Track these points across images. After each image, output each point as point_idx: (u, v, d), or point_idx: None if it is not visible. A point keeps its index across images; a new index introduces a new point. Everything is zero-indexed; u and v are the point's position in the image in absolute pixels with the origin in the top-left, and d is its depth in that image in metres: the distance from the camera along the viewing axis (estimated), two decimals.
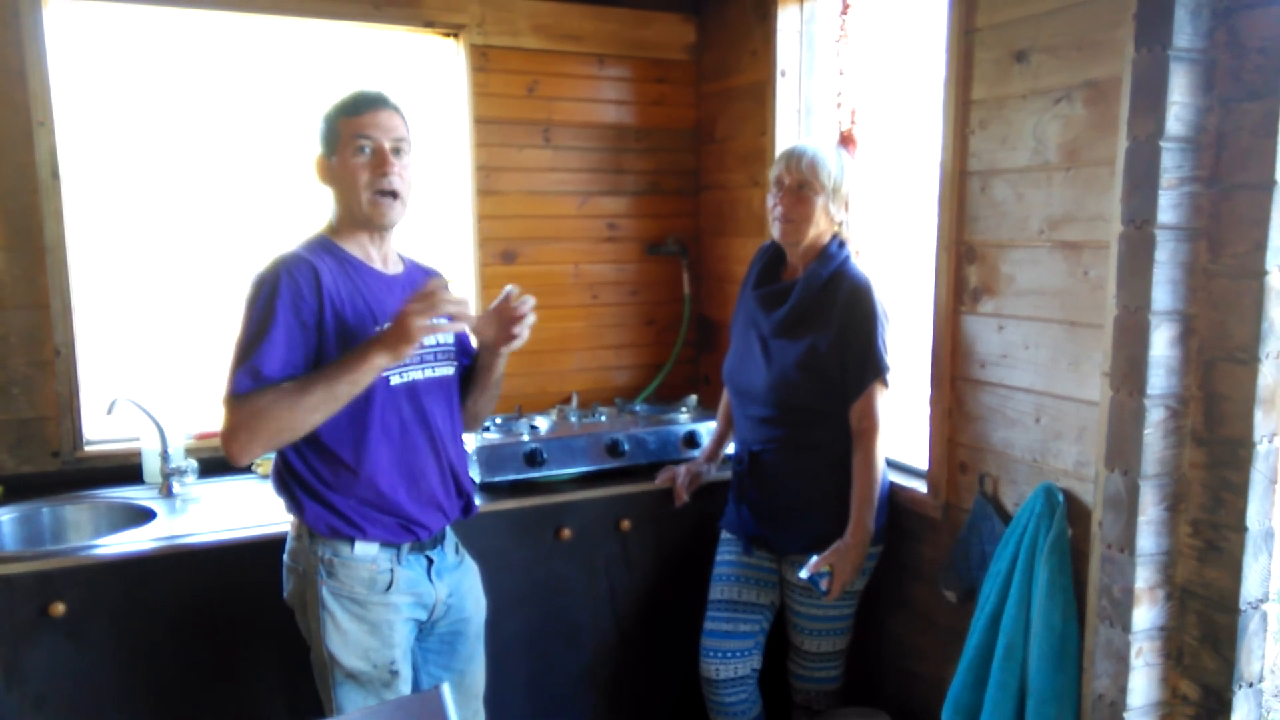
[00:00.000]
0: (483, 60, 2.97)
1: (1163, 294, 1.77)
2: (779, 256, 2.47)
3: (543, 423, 2.80)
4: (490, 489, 2.56)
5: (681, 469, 2.68)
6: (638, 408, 3.07)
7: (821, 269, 2.32)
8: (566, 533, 2.56)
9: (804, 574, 2.25)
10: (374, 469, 1.86)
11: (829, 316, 2.28)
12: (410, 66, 2.99)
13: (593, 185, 3.20)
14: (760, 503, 2.41)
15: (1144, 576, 1.84)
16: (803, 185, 2.31)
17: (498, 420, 2.81)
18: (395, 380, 1.88)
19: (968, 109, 2.21)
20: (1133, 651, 1.85)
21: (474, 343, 2.09)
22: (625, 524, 2.63)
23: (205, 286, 2.83)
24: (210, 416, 2.69)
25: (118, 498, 2.51)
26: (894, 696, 2.61)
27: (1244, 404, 1.74)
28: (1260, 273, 1.70)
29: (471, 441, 2.56)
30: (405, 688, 1.94)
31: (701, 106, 3.30)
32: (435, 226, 3.07)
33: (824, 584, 2.23)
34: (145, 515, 2.39)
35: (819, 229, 2.34)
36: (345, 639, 1.86)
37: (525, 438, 2.65)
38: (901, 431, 2.50)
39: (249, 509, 2.39)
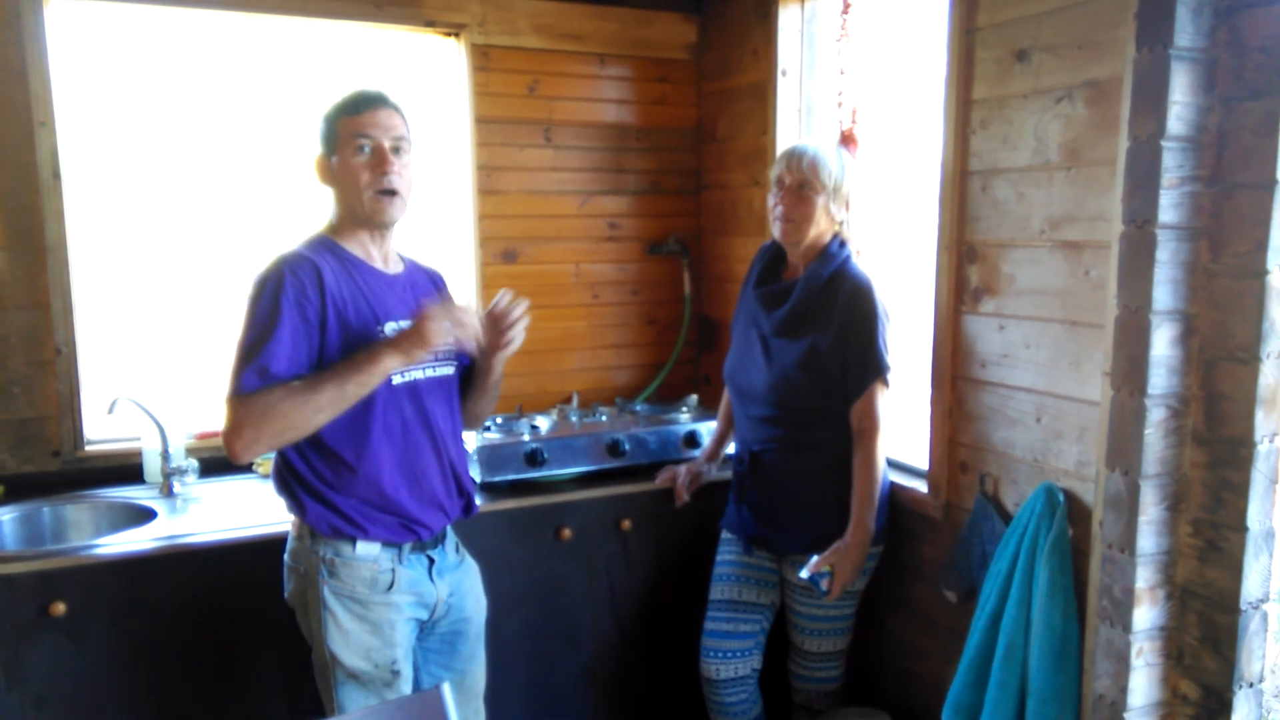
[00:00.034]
0: (484, 60, 2.97)
1: (1164, 293, 1.76)
2: (780, 256, 2.47)
3: (543, 422, 2.80)
4: (490, 489, 2.56)
5: (682, 469, 2.68)
6: (638, 407, 3.07)
7: (822, 269, 2.32)
8: (567, 532, 2.56)
9: (804, 574, 2.25)
10: (376, 469, 1.86)
11: (830, 316, 2.28)
12: (411, 66, 2.99)
13: (594, 185, 3.20)
14: (761, 502, 2.41)
15: (1144, 576, 1.84)
16: (803, 185, 2.30)
17: (498, 420, 2.81)
18: (397, 380, 1.88)
19: (969, 108, 2.21)
20: (1133, 651, 1.85)
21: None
22: (626, 524, 2.63)
23: (206, 286, 2.83)
24: (211, 416, 2.69)
25: (118, 497, 2.51)
26: (894, 696, 2.61)
27: (1245, 404, 1.74)
28: (1261, 272, 1.69)
29: (472, 441, 2.56)
30: (406, 687, 1.94)
31: (702, 106, 3.30)
32: (436, 226, 3.07)
33: (824, 584, 2.23)
34: (146, 515, 2.39)
35: (820, 228, 2.34)
36: (347, 639, 1.86)
37: (526, 437, 2.66)
38: (902, 431, 2.50)
39: (249, 509, 2.39)
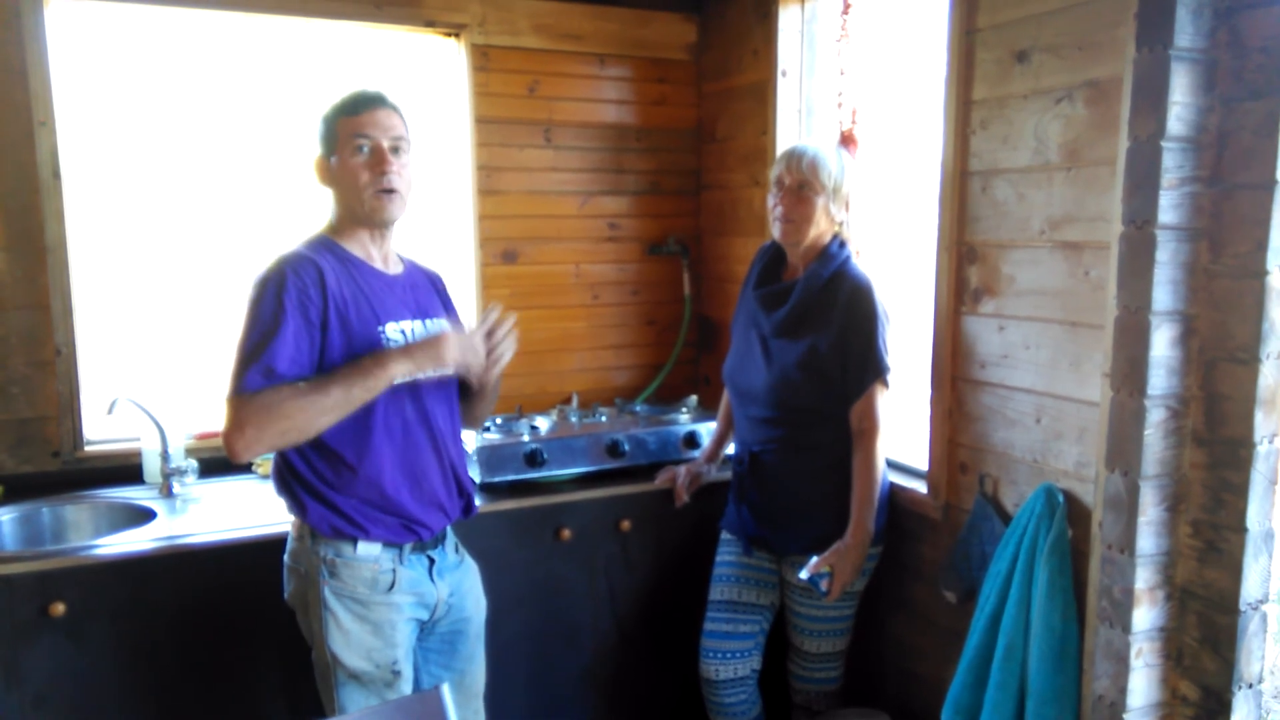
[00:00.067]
0: (483, 60, 2.97)
1: (1163, 294, 1.76)
2: (779, 256, 2.47)
3: (543, 423, 2.80)
4: (490, 489, 2.56)
5: (681, 469, 2.68)
6: (638, 408, 3.07)
7: (822, 269, 2.32)
8: (566, 533, 2.56)
9: (804, 575, 2.25)
10: (377, 469, 1.86)
11: (829, 317, 2.28)
12: (411, 66, 2.99)
13: (593, 185, 3.20)
14: (760, 503, 2.41)
15: (1144, 577, 1.84)
16: (803, 185, 2.30)
17: (498, 420, 2.81)
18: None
19: (969, 109, 2.21)
20: (1132, 652, 1.85)
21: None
22: (625, 524, 2.63)
23: (206, 286, 2.83)
24: (210, 417, 2.69)
25: (118, 498, 2.51)
26: (894, 697, 2.61)
27: (1244, 404, 1.73)
28: (1261, 273, 1.69)
29: (472, 441, 2.56)
30: (407, 688, 1.94)
31: (702, 106, 3.30)
32: (436, 226, 3.07)
33: (824, 585, 2.23)
34: (145, 515, 2.39)
35: (819, 229, 2.34)
36: (348, 639, 1.86)
37: (525, 438, 2.65)
38: (902, 432, 2.50)
39: (249, 509, 2.39)
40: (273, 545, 2.07)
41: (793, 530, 2.37)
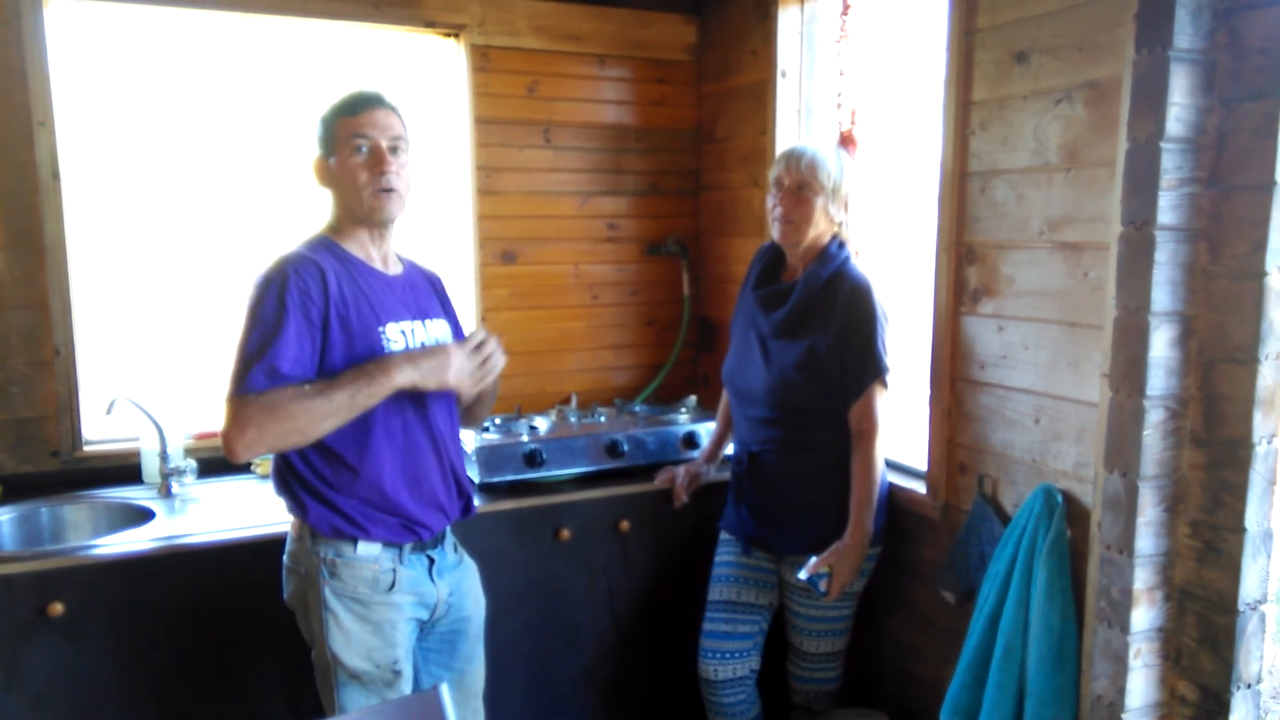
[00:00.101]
0: (483, 60, 2.98)
1: (1162, 295, 1.77)
2: (779, 257, 2.47)
3: (542, 423, 2.80)
4: (489, 489, 2.56)
5: (680, 470, 2.68)
6: (637, 408, 3.07)
7: (821, 270, 2.32)
8: (565, 533, 2.56)
9: (803, 575, 2.25)
10: (377, 469, 1.86)
11: (829, 317, 2.28)
12: (411, 67, 2.99)
13: (593, 185, 3.20)
14: (759, 503, 2.41)
15: (1142, 577, 1.84)
16: (802, 186, 2.30)
17: (497, 420, 2.81)
18: None
19: (968, 110, 2.21)
20: (1131, 652, 1.85)
21: None
22: (624, 524, 2.63)
23: (205, 287, 2.84)
24: (209, 417, 2.69)
25: (117, 498, 2.51)
26: (893, 697, 2.61)
27: (1243, 405, 1.74)
28: (1260, 274, 1.69)
29: (471, 441, 2.56)
30: (407, 688, 1.94)
31: (702, 107, 3.30)
32: (435, 226, 3.07)
33: (823, 585, 2.23)
34: (144, 515, 2.39)
35: (819, 230, 2.34)
36: (348, 639, 1.86)
37: (524, 438, 2.65)
38: (901, 432, 2.50)
39: (248, 509, 2.39)
40: (272, 545, 2.07)
41: (792, 530, 2.37)
